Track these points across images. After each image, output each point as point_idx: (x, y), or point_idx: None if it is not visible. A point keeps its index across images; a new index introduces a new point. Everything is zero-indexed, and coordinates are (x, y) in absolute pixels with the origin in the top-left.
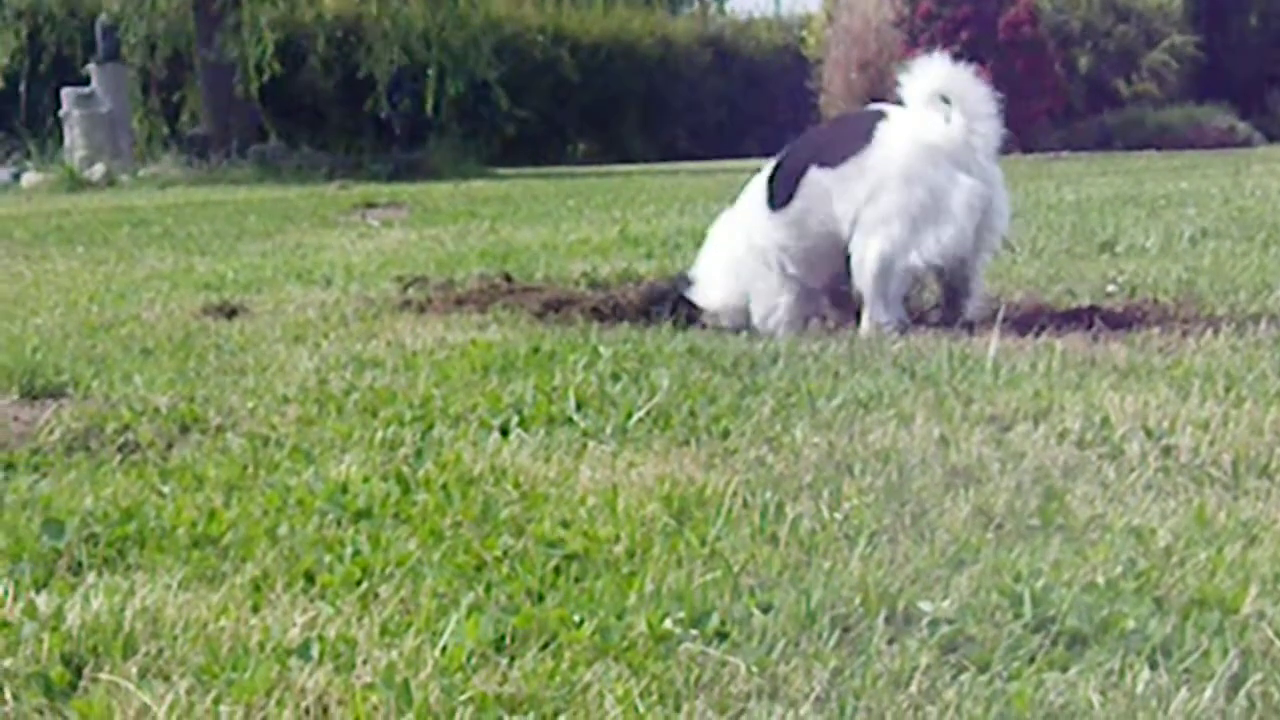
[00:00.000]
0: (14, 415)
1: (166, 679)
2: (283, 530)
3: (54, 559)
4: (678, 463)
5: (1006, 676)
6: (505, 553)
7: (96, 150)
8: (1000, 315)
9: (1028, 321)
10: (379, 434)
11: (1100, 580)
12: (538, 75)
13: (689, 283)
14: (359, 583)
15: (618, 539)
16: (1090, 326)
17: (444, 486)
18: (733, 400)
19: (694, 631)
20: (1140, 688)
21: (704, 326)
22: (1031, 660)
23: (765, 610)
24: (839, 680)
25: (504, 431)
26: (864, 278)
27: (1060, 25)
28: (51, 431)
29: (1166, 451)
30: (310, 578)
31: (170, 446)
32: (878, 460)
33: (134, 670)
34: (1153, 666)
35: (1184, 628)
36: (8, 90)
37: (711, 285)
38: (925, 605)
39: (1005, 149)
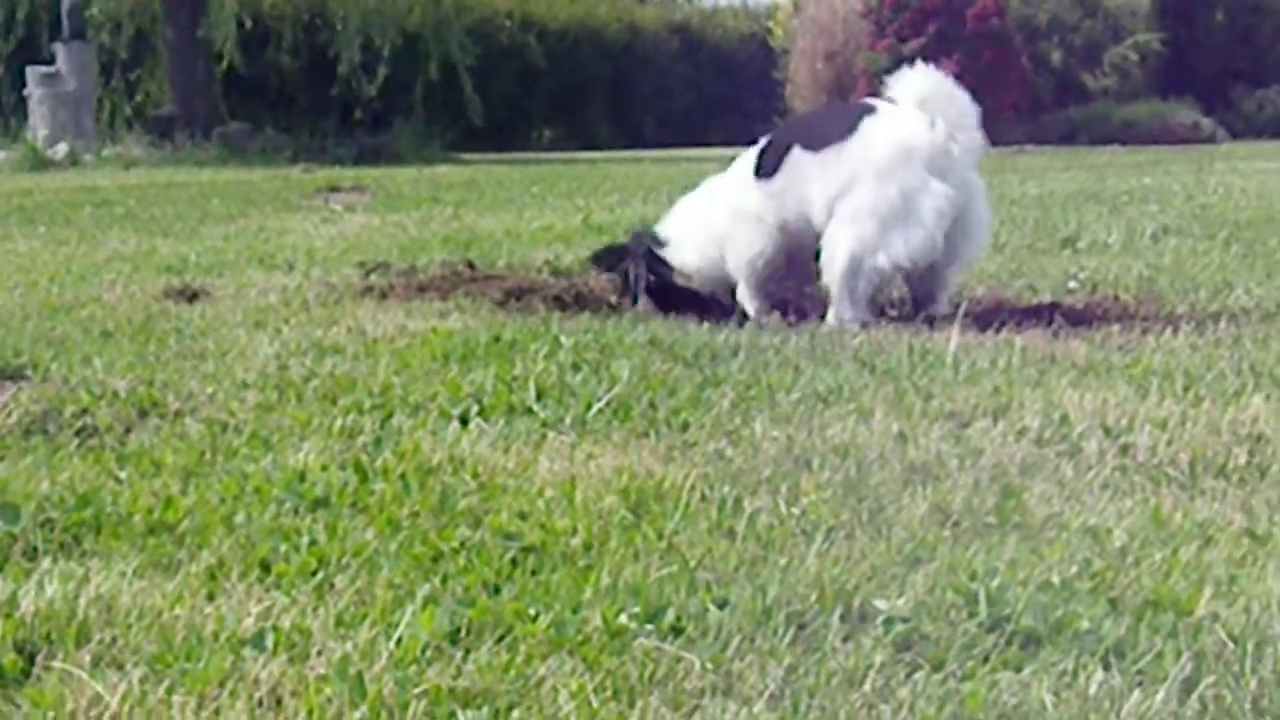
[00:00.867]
0: None
1: (120, 668)
2: (239, 518)
3: (9, 544)
4: (636, 455)
5: (960, 676)
6: (462, 544)
7: (60, 129)
8: (961, 310)
9: (989, 317)
10: (338, 422)
11: (1055, 580)
12: (504, 61)
13: (660, 242)
14: (315, 572)
15: (575, 531)
16: (1051, 323)
17: (402, 476)
18: (693, 392)
19: (649, 627)
20: (1093, 689)
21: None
22: (986, 660)
23: (721, 606)
24: (794, 677)
25: (463, 421)
26: (832, 273)
27: (1028, 19)
28: (9, 414)
29: (1124, 450)
30: (266, 567)
31: (128, 431)
32: (836, 455)
33: (87, 659)
34: (1106, 668)
35: (1138, 629)
36: None
37: (684, 246)
38: (881, 603)
39: None
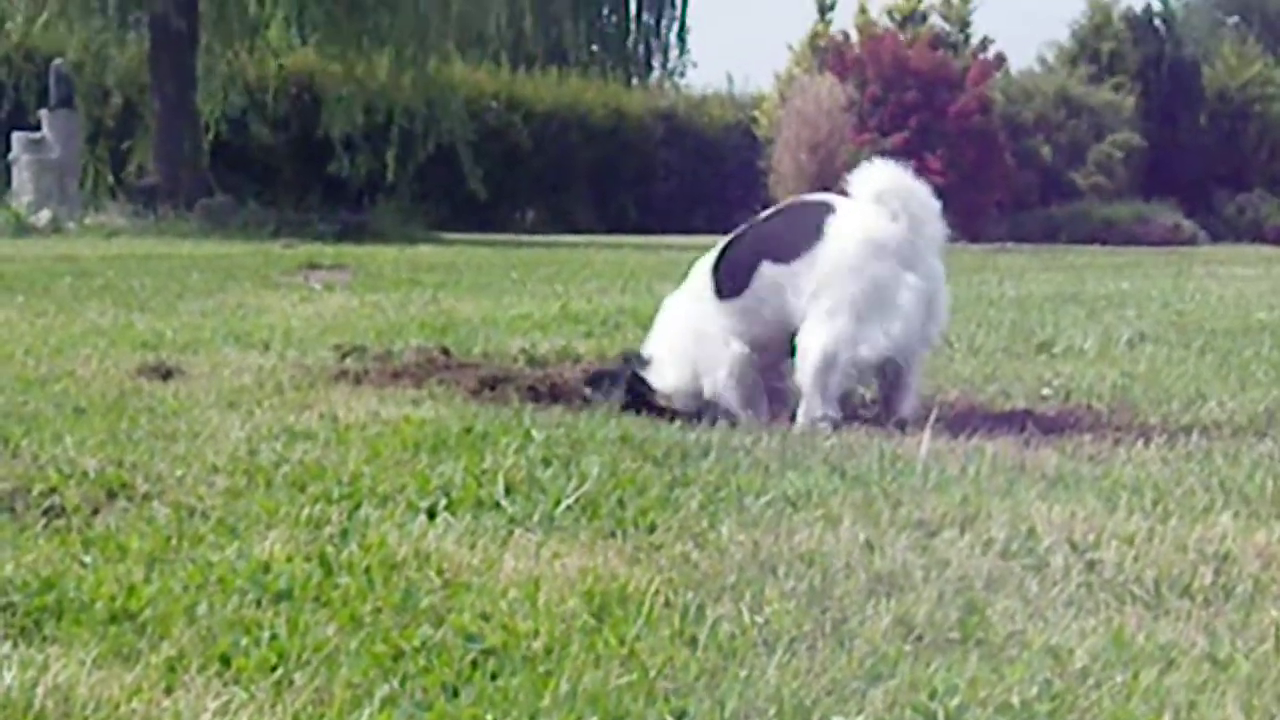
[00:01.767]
0: None
1: None
2: (202, 609)
3: None
4: (602, 556)
5: None
6: (423, 643)
7: (44, 196)
8: (933, 416)
9: (961, 422)
10: (305, 511)
11: (1015, 701)
12: (490, 141)
13: (644, 362)
14: (274, 668)
15: (536, 634)
16: (1023, 430)
17: (367, 570)
18: (662, 492)
19: None
20: None
21: (659, 411)
22: None
23: (679, 718)
24: None
25: (431, 514)
26: (805, 370)
27: (1012, 116)
28: None
29: (1090, 566)
30: (226, 660)
31: (96, 512)
32: (802, 563)
33: None
34: None
35: None
36: None
37: (666, 366)
38: None
39: (953, 239)
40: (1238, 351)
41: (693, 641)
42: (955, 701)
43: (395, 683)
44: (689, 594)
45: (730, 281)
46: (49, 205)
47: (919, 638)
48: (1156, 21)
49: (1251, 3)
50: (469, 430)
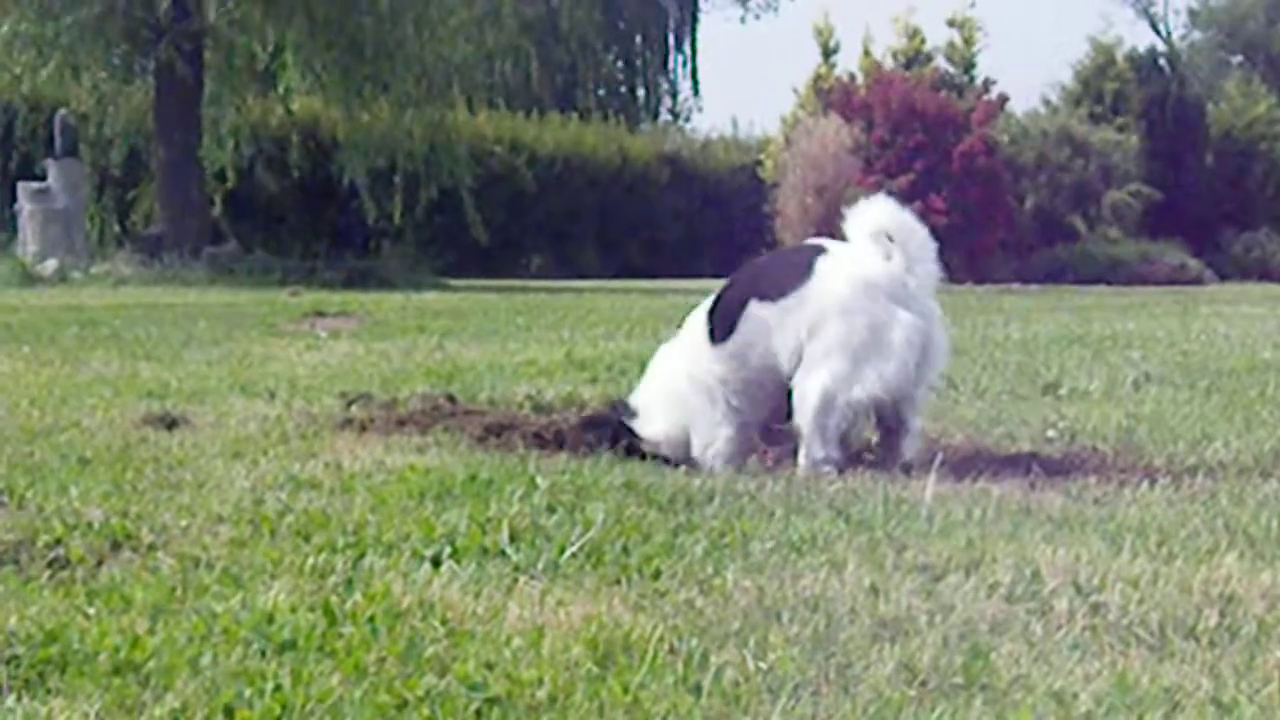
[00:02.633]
0: None
1: None
2: (205, 660)
3: None
4: (607, 603)
5: None
6: (428, 693)
7: (50, 245)
8: (938, 460)
9: (966, 465)
10: (310, 560)
11: None
12: (495, 186)
13: (632, 412)
14: (279, 719)
15: (541, 683)
16: (1028, 473)
17: (371, 619)
18: (666, 538)
19: None
20: None
21: (644, 456)
22: None
23: None
24: None
25: (435, 563)
26: (804, 413)
27: (1016, 157)
28: None
29: (1095, 609)
30: (230, 712)
31: (100, 564)
32: (807, 608)
33: None
34: None
35: None
36: None
37: (654, 416)
38: None
39: (958, 280)
40: (1244, 391)
41: (696, 689)
42: None
43: None
44: (693, 640)
45: (721, 324)
46: (55, 255)
47: (923, 683)
48: (1161, 61)
49: (1256, 42)
50: (474, 478)
